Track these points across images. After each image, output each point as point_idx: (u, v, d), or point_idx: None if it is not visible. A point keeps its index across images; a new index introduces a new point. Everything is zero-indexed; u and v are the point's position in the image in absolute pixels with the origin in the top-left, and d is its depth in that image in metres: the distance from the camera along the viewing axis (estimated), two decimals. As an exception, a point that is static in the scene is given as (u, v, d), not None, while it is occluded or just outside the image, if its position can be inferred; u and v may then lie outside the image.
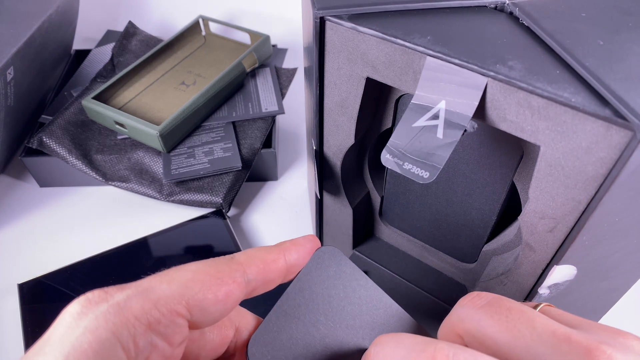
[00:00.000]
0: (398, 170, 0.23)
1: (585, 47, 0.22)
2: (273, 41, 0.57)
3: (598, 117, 0.19)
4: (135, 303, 0.17)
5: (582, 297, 0.29)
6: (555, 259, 0.25)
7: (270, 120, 0.47)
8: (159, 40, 0.56)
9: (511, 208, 0.29)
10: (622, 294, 0.32)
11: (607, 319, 0.36)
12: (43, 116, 0.47)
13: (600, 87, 0.20)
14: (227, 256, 0.19)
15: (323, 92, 0.28)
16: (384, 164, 0.24)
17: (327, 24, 0.25)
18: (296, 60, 0.57)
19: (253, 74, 0.51)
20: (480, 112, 0.22)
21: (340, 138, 0.30)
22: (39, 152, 0.44)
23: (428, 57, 0.22)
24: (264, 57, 0.52)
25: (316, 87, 0.28)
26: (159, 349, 0.17)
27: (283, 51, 0.56)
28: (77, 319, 0.16)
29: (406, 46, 0.23)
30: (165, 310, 0.17)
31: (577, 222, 0.22)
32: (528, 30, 0.23)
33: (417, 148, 0.23)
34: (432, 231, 0.34)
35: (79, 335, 0.16)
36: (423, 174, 0.23)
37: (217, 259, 0.19)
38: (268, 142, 0.46)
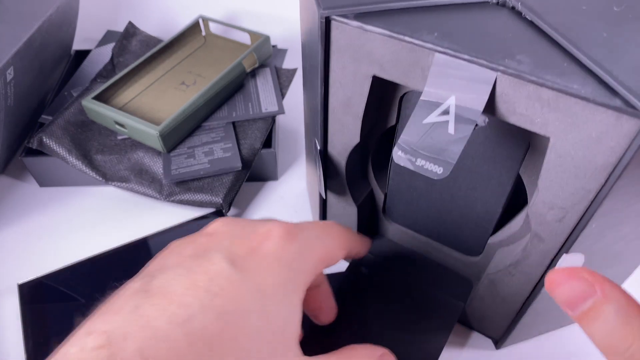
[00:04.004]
0: (411, 167, 0.23)
1: (590, 39, 0.22)
2: (273, 41, 0.57)
3: (608, 107, 0.19)
4: (319, 246, 0.24)
5: None
6: (564, 247, 0.25)
7: (270, 120, 0.47)
8: (159, 41, 0.56)
9: (514, 199, 0.30)
10: (623, 280, 0.32)
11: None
12: (43, 116, 0.47)
13: (608, 77, 0.20)
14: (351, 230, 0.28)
15: (328, 92, 0.28)
16: (396, 161, 0.24)
17: (333, 23, 0.25)
18: (296, 60, 0.57)
19: (253, 74, 0.51)
20: (490, 106, 0.23)
21: (346, 137, 0.30)
22: (39, 152, 0.44)
23: (437, 54, 0.23)
24: (264, 57, 0.52)
25: (321, 87, 0.28)
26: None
27: (283, 51, 0.56)
28: (282, 248, 0.22)
29: (414, 43, 0.23)
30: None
31: (586, 210, 0.23)
32: (532, 24, 0.24)
33: (429, 144, 0.23)
34: (437, 226, 0.34)
35: (292, 255, 0.22)
36: (437, 170, 0.23)
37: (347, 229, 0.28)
38: (268, 142, 0.46)
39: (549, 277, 0.20)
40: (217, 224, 0.24)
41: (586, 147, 0.21)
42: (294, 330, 0.22)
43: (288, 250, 0.22)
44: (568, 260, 0.26)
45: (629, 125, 0.19)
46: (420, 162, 0.23)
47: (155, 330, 0.18)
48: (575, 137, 0.21)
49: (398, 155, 0.23)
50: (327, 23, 0.25)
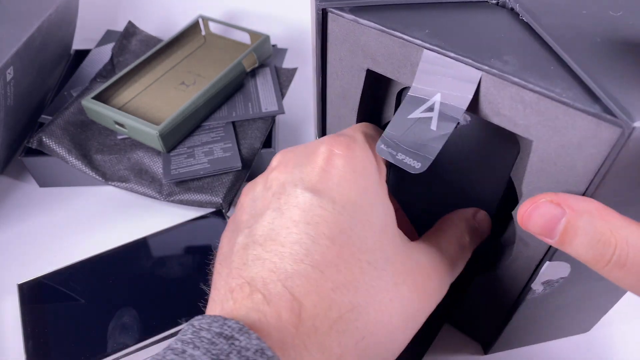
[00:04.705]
0: (391, 160, 0.24)
1: (583, 44, 0.22)
2: (273, 41, 0.57)
3: (588, 113, 0.19)
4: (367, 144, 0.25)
5: (578, 295, 0.29)
6: (548, 254, 0.25)
7: (270, 120, 0.47)
8: (159, 40, 0.56)
9: (510, 203, 0.30)
10: (622, 294, 0.32)
11: (609, 318, 0.36)
12: (43, 116, 0.47)
13: (592, 83, 0.20)
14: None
15: (326, 83, 0.29)
16: (378, 154, 0.24)
17: (329, 15, 0.25)
18: (296, 60, 0.57)
19: (253, 73, 0.51)
20: (475, 105, 0.23)
21: (343, 129, 0.30)
22: (39, 152, 0.44)
23: (425, 50, 0.23)
24: (264, 57, 0.52)
25: (319, 78, 0.28)
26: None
27: (283, 51, 0.56)
28: (348, 160, 0.23)
29: (404, 39, 0.23)
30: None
31: None
32: (527, 26, 0.23)
33: (411, 139, 0.23)
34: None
35: (359, 160, 0.23)
36: (415, 164, 0.23)
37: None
38: (268, 142, 0.46)
39: (519, 215, 0.21)
40: (278, 157, 0.25)
41: (567, 152, 0.21)
42: (393, 220, 0.24)
43: (353, 159, 0.23)
44: (552, 269, 0.25)
45: (609, 132, 0.19)
46: (400, 155, 0.23)
47: (286, 271, 0.20)
48: (557, 142, 0.21)
49: (380, 148, 0.24)
50: (324, 15, 0.25)
